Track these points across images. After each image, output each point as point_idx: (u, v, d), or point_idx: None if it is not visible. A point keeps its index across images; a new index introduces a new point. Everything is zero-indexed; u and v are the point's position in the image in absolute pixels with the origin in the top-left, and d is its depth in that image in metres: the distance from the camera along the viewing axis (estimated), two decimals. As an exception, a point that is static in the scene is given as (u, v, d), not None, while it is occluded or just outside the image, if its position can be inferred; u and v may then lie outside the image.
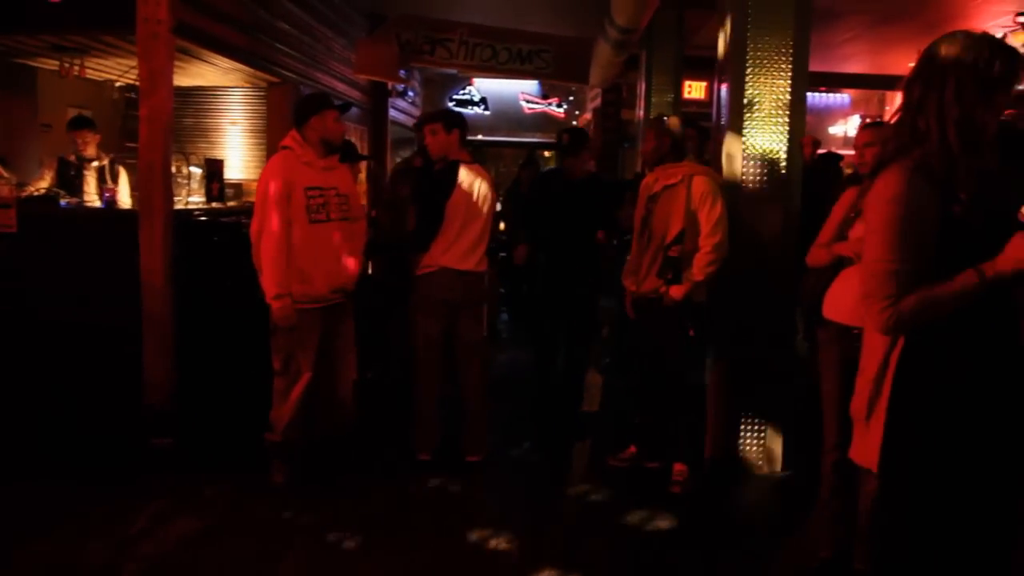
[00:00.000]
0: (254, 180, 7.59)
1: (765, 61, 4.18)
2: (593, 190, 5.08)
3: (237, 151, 7.86)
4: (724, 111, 4.34)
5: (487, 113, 14.29)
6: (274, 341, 3.96)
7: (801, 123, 4.25)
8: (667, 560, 3.48)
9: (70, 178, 5.88)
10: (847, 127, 13.98)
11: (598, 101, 12.22)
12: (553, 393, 5.24)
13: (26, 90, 6.78)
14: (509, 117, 14.58)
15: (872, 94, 13.98)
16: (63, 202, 5.39)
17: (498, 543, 3.53)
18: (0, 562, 3.24)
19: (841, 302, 3.02)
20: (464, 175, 4.23)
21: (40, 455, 4.25)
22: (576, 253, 5.05)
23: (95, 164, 6.05)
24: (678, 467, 4.15)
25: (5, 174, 4.70)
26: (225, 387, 4.59)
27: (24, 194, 5.04)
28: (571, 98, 14.76)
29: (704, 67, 9.61)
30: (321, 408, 4.13)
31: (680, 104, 8.41)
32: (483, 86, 14.28)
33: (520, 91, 14.50)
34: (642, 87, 8.62)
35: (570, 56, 7.28)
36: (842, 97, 14.17)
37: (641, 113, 8.64)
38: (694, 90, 9.73)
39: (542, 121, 14.75)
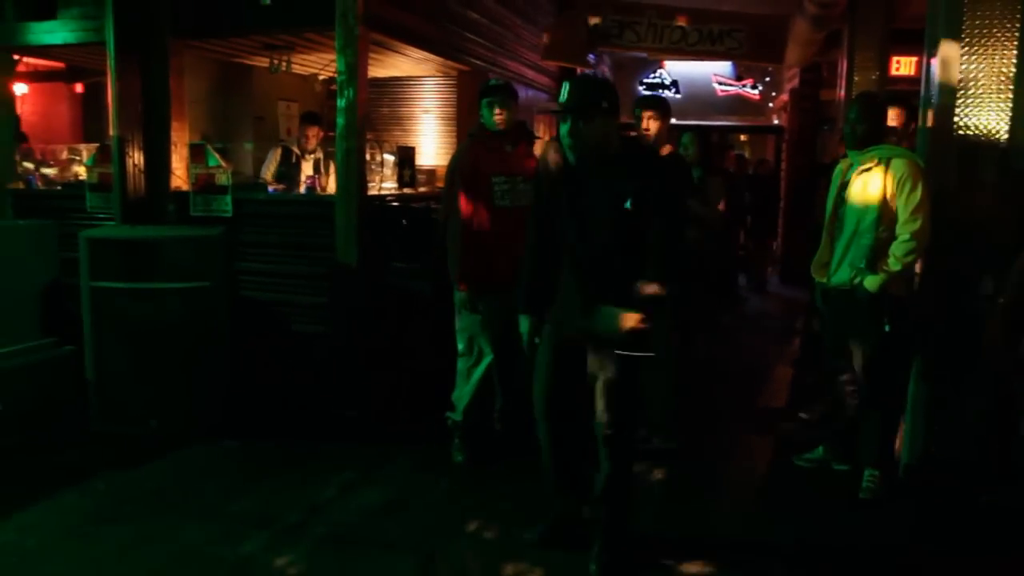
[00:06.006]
0: (445, 166, 7.87)
1: (985, 27, 3.77)
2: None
3: (430, 138, 8.15)
4: (933, 85, 3.96)
5: (678, 96, 13.98)
6: (459, 322, 4.09)
7: (1027, 98, 3.81)
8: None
9: (290, 166, 6.30)
10: None
11: (795, 81, 11.62)
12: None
13: (242, 87, 7.38)
14: (702, 100, 14.16)
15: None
16: (271, 189, 5.82)
17: (672, 535, 3.49)
18: (208, 513, 3.58)
19: None
20: None
21: (242, 422, 4.62)
22: None
23: (313, 156, 6.44)
24: (870, 472, 3.89)
25: (224, 164, 5.14)
26: (410, 365, 4.80)
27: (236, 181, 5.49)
28: (767, 79, 14.15)
29: (915, 40, 8.80)
30: (502, 390, 4.21)
31: (887, 82, 7.77)
32: (674, 69, 13.96)
33: (713, 73, 14.06)
34: (843, 65, 8.06)
35: (764, 35, 6.95)
36: None
37: (842, 93, 8.09)
38: (903, 66, 8.90)
39: (736, 103, 14.24)
